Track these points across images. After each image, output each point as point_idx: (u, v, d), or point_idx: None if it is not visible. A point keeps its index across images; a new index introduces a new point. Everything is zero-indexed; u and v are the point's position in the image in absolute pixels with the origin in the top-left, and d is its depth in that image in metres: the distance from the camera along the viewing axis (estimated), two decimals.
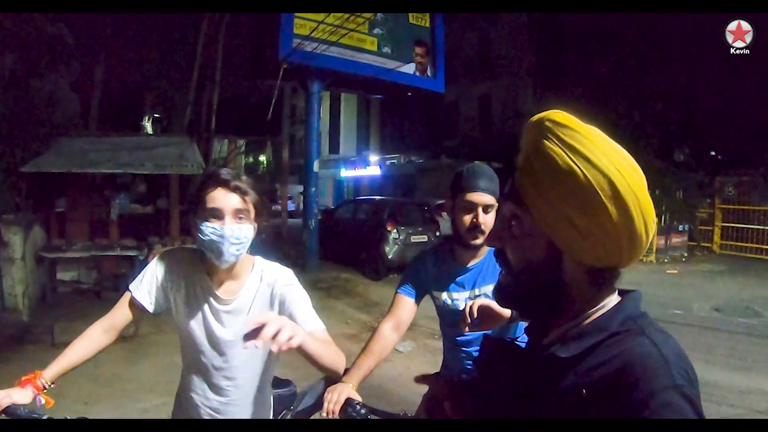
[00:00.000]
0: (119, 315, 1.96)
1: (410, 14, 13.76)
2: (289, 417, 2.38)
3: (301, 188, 16.28)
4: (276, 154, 15.71)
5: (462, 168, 2.31)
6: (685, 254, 14.77)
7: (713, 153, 17.19)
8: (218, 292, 1.89)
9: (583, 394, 0.86)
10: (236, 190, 1.77)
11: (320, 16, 11.62)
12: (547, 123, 0.91)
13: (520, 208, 0.95)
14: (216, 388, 1.95)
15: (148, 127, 15.93)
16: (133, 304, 1.94)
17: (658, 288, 10.88)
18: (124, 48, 13.07)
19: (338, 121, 32.29)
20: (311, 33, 11.57)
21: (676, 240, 14.80)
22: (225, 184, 1.76)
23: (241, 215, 1.78)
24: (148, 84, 14.53)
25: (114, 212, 9.97)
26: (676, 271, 12.75)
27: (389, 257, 11.74)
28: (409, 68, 13.75)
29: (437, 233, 12.42)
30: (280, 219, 15.51)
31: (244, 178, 1.83)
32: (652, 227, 0.91)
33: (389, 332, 2.30)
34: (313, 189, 12.93)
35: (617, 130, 16.23)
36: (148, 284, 1.93)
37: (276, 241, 14.00)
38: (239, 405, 1.99)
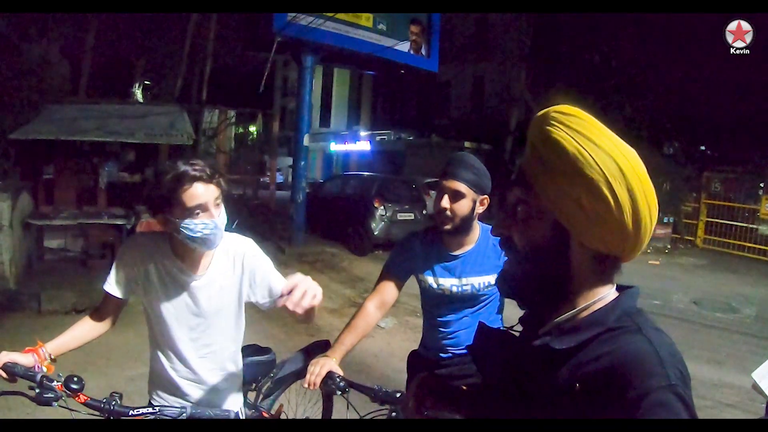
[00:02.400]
0: (104, 309, 2.10)
1: None
2: (268, 383, 2.47)
3: (290, 161, 16.18)
4: (266, 126, 15.58)
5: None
6: (668, 246, 14.91)
7: (703, 148, 17.32)
8: (189, 269, 1.96)
9: (576, 388, 0.88)
10: (210, 180, 1.81)
11: None
12: (553, 113, 0.95)
13: (527, 192, 0.98)
14: (191, 360, 2.03)
15: (138, 94, 15.69)
16: (109, 299, 2.06)
17: (639, 278, 10.88)
18: (115, 15, 12.81)
19: (330, 95, 31.98)
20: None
21: (660, 231, 14.82)
22: (200, 178, 1.78)
23: (218, 201, 1.84)
24: (140, 51, 14.28)
25: (102, 180, 9.89)
26: (658, 263, 12.90)
27: (375, 233, 11.81)
28: (404, 46, 13.67)
29: (423, 211, 12.48)
30: (268, 192, 15.43)
31: (207, 163, 1.85)
32: (656, 214, 0.95)
33: (373, 310, 2.38)
34: (302, 163, 12.86)
35: (608, 120, 16.26)
36: (115, 277, 2.02)
37: (263, 214, 13.95)
38: (215, 373, 2.08)
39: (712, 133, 16.00)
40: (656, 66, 15.11)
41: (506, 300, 2.22)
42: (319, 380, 2.00)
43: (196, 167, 1.79)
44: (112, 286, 2.01)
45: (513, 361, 1.04)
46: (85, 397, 1.78)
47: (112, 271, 2.01)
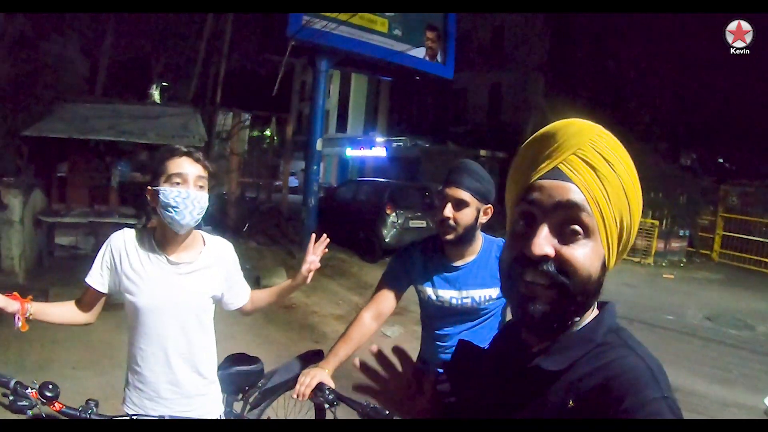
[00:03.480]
0: (84, 301, 2.11)
1: None
2: (256, 394, 2.43)
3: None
4: (281, 130, 15.68)
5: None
6: (684, 260, 14.72)
7: (721, 160, 17.12)
8: (172, 259, 2.01)
9: (570, 405, 0.86)
10: (198, 161, 1.94)
11: None
12: (600, 136, 0.90)
13: (583, 212, 0.88)
14: (171, 358, 2.03)
15: (156, 95, 15.87)
16: (89, 291, 2.07)
17: (653, 291, 10.88)
18: (133, 15, 12.98)
19: (347, 101, 32.15)
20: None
21: (675, 245, 14.75)
22: (188, 154, 1.93)
23: (201, 183, 1.94)
24: (158, 52, 14.45)
25: (114, 179, 9.99)
26: (672, 276, 12.73)
27: (386, 240, 11.74)
28: (419, 52, 13.63)
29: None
30: (281, 195, 15.50)
31: (200, 154, 2.00)
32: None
33: (369, 321, 2.34)
34: (315, 167, 12.86)
35: (625, 129, 16.19)
36: (98, 270, 2.03)
37: (275, 218, 13.99)
38: (192, 377, 2.08)
39: (730, 145, 15.80)
40: (674, 76, 14.96)
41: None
42: (308, 392, 1.98)
43: (189, 147, 1.97)
44: (93, 278, 2.03)
45: (496, 383, 1.00)
46: (61, 405, 1.75)
47: (95, 264, 2.03)
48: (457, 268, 2.29)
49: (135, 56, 14.30)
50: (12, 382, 1.72)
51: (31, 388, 1.73)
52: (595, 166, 0.87)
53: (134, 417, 1.87)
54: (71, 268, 8.67)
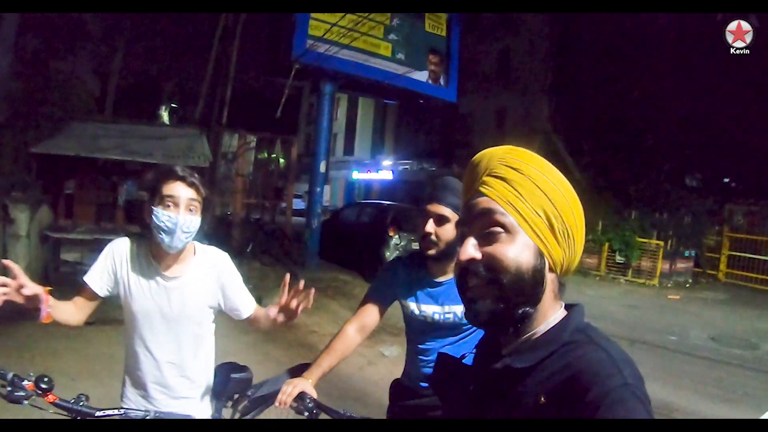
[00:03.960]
0: (79, 300, 2.16)
1: (426, 22, 13.85)
2: (245, 402, 2.47)
3: None
4: (286, 152, 15.86)
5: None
6: (690, 280, 14.60)
7: (726, 180, 17.04)
8: (165, 272, 2.08)
9: (541, 401, 0.91)
10: (192, 185, 1.99)
11: (334, 18, 11.74)
12: (516, 153, 1.02)
13: (503, 217, 1.00)
14: (161, 363, 2.12)
15: (165, 116, 16.15)
16: (85, 290, 2.12)
17: (656, 312, 10.78)
18: (143, 37, 13.31)
19: (355, 124, 32.46)
20: (324, 34, 11.66)
21: (681, 265, 14.65)
22: (182, 179, 1.97)
23: (192, 207, 1.99)
24: (167, 74, 14.75)
25: (121, 198, 10.14)
26: (678, 297, 12.64)
27: (388, 261, 11.74)
28: (422, 76, 13.82)
29: None
30: (284, 217, 15.62)
31: (197, 175, 2.04)
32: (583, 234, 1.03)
33: (353, 333, 2.37)
34: (318, 189, 12.96)
35: (628, 152, 16.22)
36: (99, 272, 2.11)
37: (278, 239, 14.07)
38: (181, 381, 2.16)
39: (736, 164, 15.74)
40: (678, 97, 15.00)
41: None
42: (289, 400, 2.02)
43: (182, 170, 2.00)
44: (92, 279, 2.09)
45: (473, 387, 1.07)
46: (54, 397, 1.83)
47: (95, 266, 2.10)
48: (439, 284, 2.32)
49: (145, 78, 14.61)
50: (9, 375, 1.79)
51: (28, 380, 1.80)
52: (505, 177, 1.00)
53: (124, 411, 1.92)
54: (75, 283, 8.74)
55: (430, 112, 23.88)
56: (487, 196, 1.00)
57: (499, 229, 0.98)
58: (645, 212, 15.30)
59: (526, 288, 0.97)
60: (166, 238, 1.95)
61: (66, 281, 8.93)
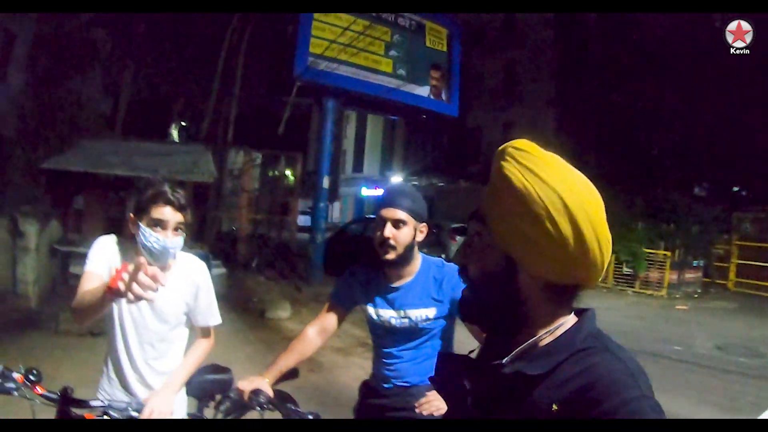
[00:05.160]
0: (90, 288, 2.14)
1: (427, 37, 14.05)
2: (227, 404, 2.54)
3: None
4: (292, 168, 16.08)
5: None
6: (699, 290, 14.46)
7: (736, 189, 16.87)
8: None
9: (554, 409, 0.91)
10: (181, 209, 2.06)
11: (335, 34, 11.98)
12: (509, 149, 0.99)
13: (483, 225, 1.05)
14: (139, 364, 2.23)
15: (175, 134, 16.44)
16: (93, 276, 2.13)
17: (663, 323, 10.69)
18: (151, 56, 13.60)
19: (363, 140, 32.64)
20: (324, 51, 11.89)
21: (689, 276, 14.50)
22: (172, 203, 2.04)
23: (179, 227, 2.09)
24: (176, 93, 15.04)
25: (128, 213, 10.31)
26: (686, 308, 12.53)
27: None
28: (424, 91, 14.00)
29: (441, 256, 12.42)
30: (290, 232, 15.78)
31: (182, 192, 2.11)
32: (607, 246, 0.97)
33: (313, 335, 2.43)
34: (322, 204, 13.14)
35: (634, 163, 16.15)
36: (101, 262, 2.16)
37: (283, 254, 14.20)
38: (160, 379, 2.26)
39: (744, 171, 15.57)
40: (684, 105, 14.96)
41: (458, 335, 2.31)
42: (244, 395, 2.12)
43: (175, 194, 2.05)
44: (96, 266, 2.15)
45: (480, 387, 1.05)
46: (42, 389, 1.95)
47: (93, 255, 2.17)
48: (395, 289, 2.34)
49: (154, 96, 14.89)
50: (0, 368, 1.90)
51: (17, 373, 1.90)
52: (491, 176, 1.04)
53: (108, 403, 2.04)
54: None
55: (438, 128, 24.03)
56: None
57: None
58: (652, 223, 15.17)
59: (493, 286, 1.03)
60: (151, 258, 2.03)
61: (74, 293, 9.07)
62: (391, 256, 2.23)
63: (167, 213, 2.02)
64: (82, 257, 7.58)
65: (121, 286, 1.51)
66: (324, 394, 5.45)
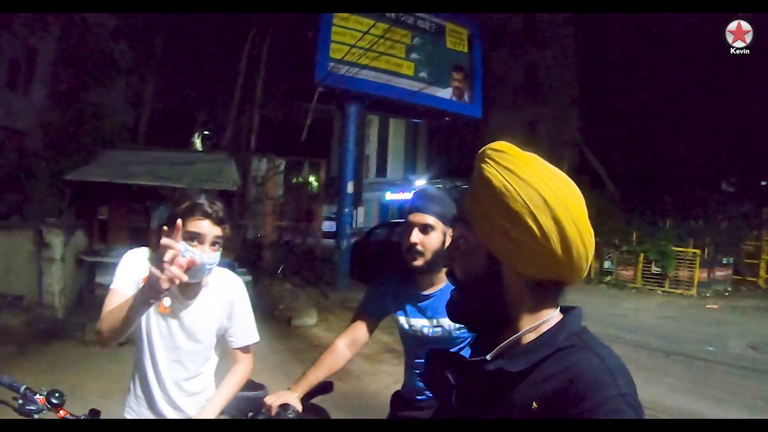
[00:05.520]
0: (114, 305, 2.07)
1: (447, 39, 13.97)
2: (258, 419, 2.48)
3: None
4: (316, 174, 16.13)
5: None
6: (729, 289, 14.21)
7: (763, 183, 16.47)
8: (180, 293, 2.05)
9: (534, 407, 0.91)
10: (219, 223, 1.94)
11: (355, 39, 11.99)
12: (488, 151, 1.01)
13: (467, 227, 1.06)
14: (167, 381, 2.12)
15: (198, 143, 16.63)
16: (116, 294, 2.01)
17: (694, 323, 10.51)
18: (172, 66, 13.81)
19: (386, 145, 32.69)
20: (344, 56, 11.89)
21: (719, 274, 14.28)
22: (210, 216, 1.92)
23: (216, 242, 1.96)
24: (198, 102, 15.23)
25: (153, 222, 10.44)
26: (717, 307, 12.29)
27: None
28: (447, 93, 13.91)
29: None
30: (315, 238, 15.82)
31: (220, 205, 1.98)
32: (590, 241, 0.98)
33: (343, 347, 2.37)
34: (347, 210, 13.13)
35: (660, 160, 15.87)
36: (128, 279, 2.01)
37: (309, 260, 14.23)
38: (187, 400, 2.16)
39: None
40: (709, 100, 14.65)
41: None
42: (272, 410, 2.05)
43: (213, 207, 1.93)
44: (123, 284, 2.00)
45: (465, 384, 1.07)
46: (65, 412, 1.87)
47: (121, 273, 2.02)
48: (427, 297, 2.27)
49: (176, 106, 15.11)
50: (22, 388, 1.83)
51: (39, 394, 1.82)
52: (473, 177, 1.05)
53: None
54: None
55: (460, 130, 23.94)
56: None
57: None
58: (680, 220, 14.99)
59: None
60: (187, 273, 1.83)
61: (100, 303, 9.13)
62: (418, 262, 2.16)
63: (204, 226, 1.91)
64: (108, 267, 7.67)
65: (155, 271, 1.45)
66: (352, 403, 5.39)
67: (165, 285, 1.47)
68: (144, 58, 13.05)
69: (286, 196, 15.41)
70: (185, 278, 1.46)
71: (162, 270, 1.46)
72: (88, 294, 9.37)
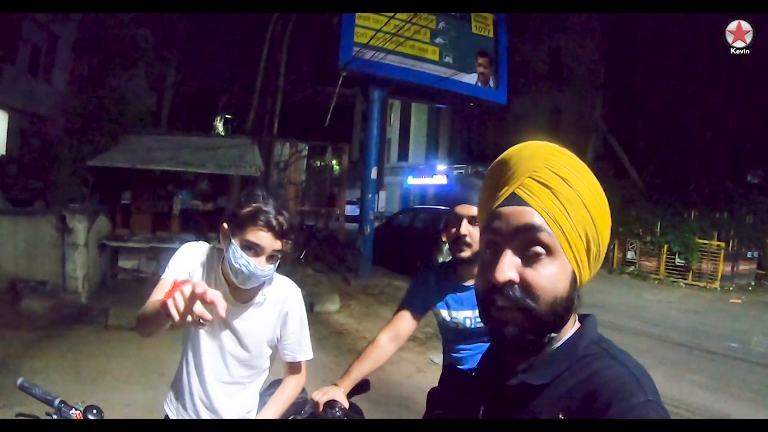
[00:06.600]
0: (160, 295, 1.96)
1: (473, 24, 13.69)
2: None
3: None
4: (338, 159, 16.05)
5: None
6: (753, 283, 14.05)
7: None
8: (234, 296, 1.93)
9: (561, 418, 0.87)
10: (282, 237, 1.79)
11: (379, 23, 11.77)
12: (553, 154, 0.91)
13: (542, 247, 0.88)
14: (209, 384, 2.01)
15: (220, 127, 16.65)
16: (164, 283, 1.90)
17: (717, 318, 10.41)
18: (194, 51, 13.80)
19: (408, 129, 32.52)
20: (369, 41, 11.70)
21: (743, 267, 14.12)
22: (272, 229, 1.77)
23: (274, 255, 1.82)
24: (220, 87, 15.21)
25: (176, 207, 10.48)
26: (740, 301, 12.16)
27: None
28: (472, 78, 13.66)
29: None
30: (338, 223, 15.79)
31: (287, 216, 1.82)
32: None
33: (386, 342, 2.35)
34: (370, 195, 12.97)
35: (686, 150, 15.55)
36: (180, 272, 1.92)
37: (331, 245, 14.20)
38: (229, 405, 2.06)
39: None
40: (736, 89, 14.27)
41: None
42: (320, 407, 2.04)
43: (278, 218, 1.78)
44: (173, 274, 1.90)
45: (485, 403, 1.00)
46: None
47: (175, 263, 1.92)
48: (469, 288, 2.25)
49: (199, 91, 15.12)
50: (56, 401, 1.69)
51: (75, 409, 1.69)
52: (551, 186, 0.88)
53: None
54: (132, 290, 9.09)
55: (483, 115, 23.65)
56: (529, 205, 0.88)
57: (542, 249, 0.87)
58: (705, 212, 14.76)
59: (558, 315, 0.89)
60: (237, 280, 1.82)
61: (123, 288, 9.30)
62: (466, 253, 2.15)
63: (265, 239, 1.76)
64: (131, 252, 7.69)
65: (171, 306, 1.26)
66: (375, 391, 5.35)
67: (175, 318, 1.29)
68: (166, 42, 13.05)
69: (309, 181, 15.35)
70: (202, 326, 1.31)
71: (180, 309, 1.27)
72: (111, 279, 9.47)
